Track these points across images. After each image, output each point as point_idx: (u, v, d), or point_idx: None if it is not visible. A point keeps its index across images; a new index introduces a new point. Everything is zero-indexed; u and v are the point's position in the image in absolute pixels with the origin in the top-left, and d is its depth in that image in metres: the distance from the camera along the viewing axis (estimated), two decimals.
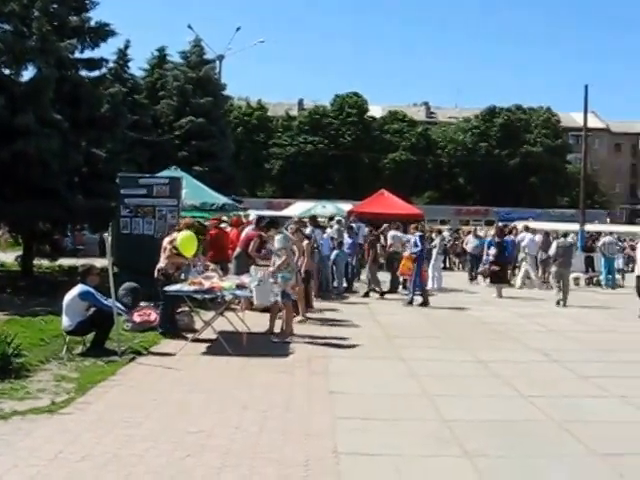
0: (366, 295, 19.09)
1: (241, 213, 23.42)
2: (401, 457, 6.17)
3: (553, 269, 19.95)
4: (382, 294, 19.01)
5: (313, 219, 19.61)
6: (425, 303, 17.53)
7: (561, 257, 19.29)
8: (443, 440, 6.70)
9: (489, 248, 21.41)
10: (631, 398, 8.57)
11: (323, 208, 33.73)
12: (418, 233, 18.48)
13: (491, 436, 6.88)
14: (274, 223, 13.08)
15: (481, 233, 28.01)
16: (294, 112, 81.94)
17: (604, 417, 7.76)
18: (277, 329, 12.27)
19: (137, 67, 43.28)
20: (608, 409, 8.11)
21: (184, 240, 11.53)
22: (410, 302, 17.56)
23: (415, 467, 5.97)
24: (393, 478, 5.71)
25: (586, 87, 38.03)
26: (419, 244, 17.96)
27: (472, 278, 24.71)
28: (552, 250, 19.92)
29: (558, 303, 18.61)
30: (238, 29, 43.87)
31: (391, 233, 21.13)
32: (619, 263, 27.31)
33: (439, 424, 7.23)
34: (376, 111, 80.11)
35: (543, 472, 5.97)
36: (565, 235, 21.47)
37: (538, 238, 23.90)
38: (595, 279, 26.25)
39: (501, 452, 6.43)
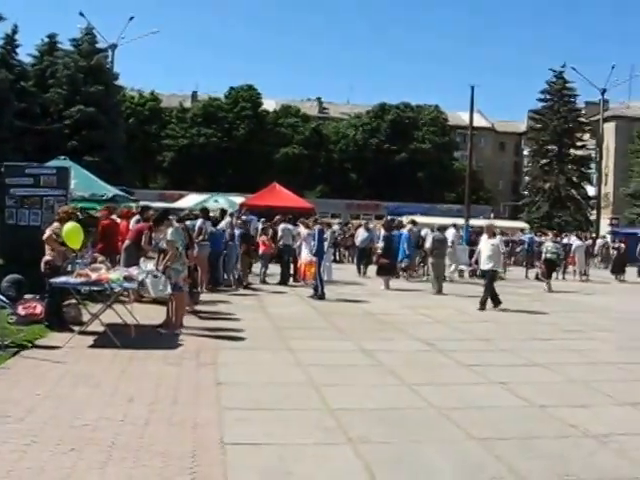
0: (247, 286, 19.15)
1: (132, 205, 23.02)
2: (286, 446, 6.28)
3: (430, 260, 21.25)
4: (245, 286, 19.05)
5: (204, 211, 19.51)
6: (316, 296, 17.74)
7: (437, 249, 20.72)
8: (328, 428, 6.85)
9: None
10: (508, 384, 8.98)
11: (215, 202, 33.62)
12: (317, 227, 18.61)
13: (375, 423, 7.07)
14: (165, 216, 12.94)
15: (371, 227, 28.52)
16: (188, 104, 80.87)
17: (483, 403, 8.09)
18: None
19: (26, 53, 41.85)
20: (487, 395, 8.47)
21: (69, 232, 11.28)
22: (321, 296, 17.69)
23: (300, 455, 6.08)
24: (278, 467, 5.80)
25: (472, 87, 39.31)
26: (316, 239, 18.05)
27: (360, 271, 25.10)
28: (428, 243, 21.27)
29: (439, 292, 19.97)
30: (131, 18, 42.83)
31: (282, 226, 21.27)
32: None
33: (325, 413, 7.39)
34: (270, 105, 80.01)
35: (423, 457, 6.19)
36: (440, 229, 22.63)
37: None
38: (478, 271, 27.14)
39: (384, 439, 6.63)
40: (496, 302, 17.07)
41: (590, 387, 9.15)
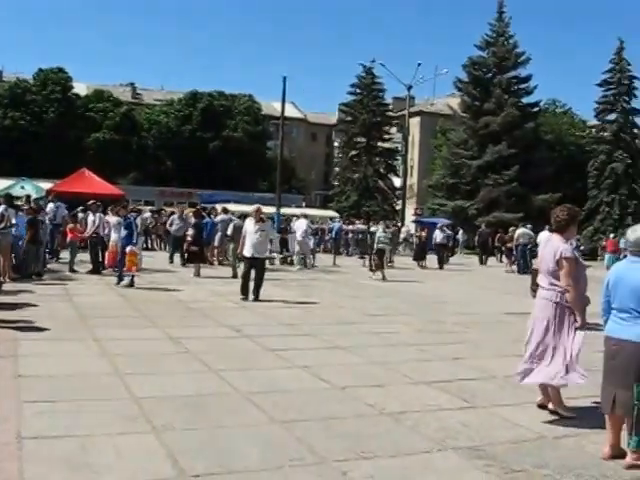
0: (37, 276, 18.38)
1: None
2: (88, 437, 6.17)
3: (230, 246, 21.89)
4: (30, 275, 18.20)
5: (7, 198, 18.70)
6: (123, 284, 17.48)
7: (237, 236, 20.57)
8: (132, 417, 6.81)
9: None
10: (311, 367, 9.26)
11: (22, 189, 32.14)
12: (132, 214, 18.21)
13: (180, 410, 7.10)
14: None
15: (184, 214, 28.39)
16: None
17: (287, 387, 8.30)
18: None
19: None
20: (291, 379, 8.69)
21: None
22: (130, 284, 17.32)
23: (102, 446, 5.99)
24: (78, 458, 5.68)
25: (284, 78, 39.97)
26: (133, 228, 17.65)
27: (172, 259, 24.95)
28: (229, 230, 21.84)
29: (234, 277, 20.05)
30: None
31: (97, 214, 20.77)
32: (311, 244, 29.30)
33: (129, 402, 7.32)
34: (81, 89, 77.19)
35: (227, 441, 6.26)
36: (240, 217, 23.34)
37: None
38: (289, 259, 27.84)
39: (188, 425, 6.66)
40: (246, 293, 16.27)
41: (388, 368, 9.59)
